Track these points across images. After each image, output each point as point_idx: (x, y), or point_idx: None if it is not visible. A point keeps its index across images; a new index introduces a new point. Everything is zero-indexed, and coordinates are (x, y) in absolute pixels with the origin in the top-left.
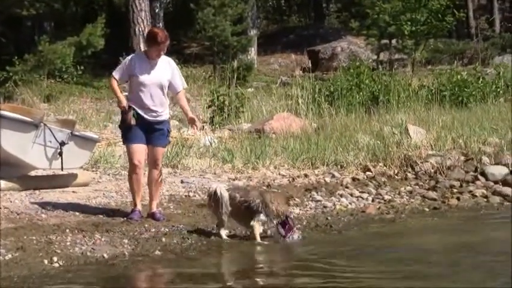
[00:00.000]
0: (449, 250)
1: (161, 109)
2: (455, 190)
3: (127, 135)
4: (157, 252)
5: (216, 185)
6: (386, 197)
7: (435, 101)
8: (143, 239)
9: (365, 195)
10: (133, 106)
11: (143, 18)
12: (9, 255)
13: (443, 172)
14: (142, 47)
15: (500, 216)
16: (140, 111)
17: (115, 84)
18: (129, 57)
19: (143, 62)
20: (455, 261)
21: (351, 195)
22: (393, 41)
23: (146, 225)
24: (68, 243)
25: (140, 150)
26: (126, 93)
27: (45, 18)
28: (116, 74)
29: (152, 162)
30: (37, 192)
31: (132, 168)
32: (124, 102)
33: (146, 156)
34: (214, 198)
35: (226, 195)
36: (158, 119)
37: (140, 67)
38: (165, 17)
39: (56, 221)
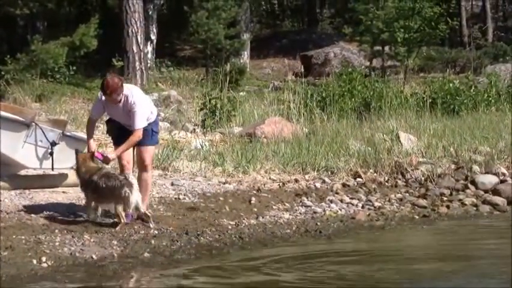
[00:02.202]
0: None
1: None
2: (445, 198)
3: (115, 139)
4: (146, 254)
5: None
6: (376, 204)
7: (426, 108)
8: (132, 241)
9: (355, 202)
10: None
11: (136, 19)
12: None
13: (434, 180)
14: (135, 48)
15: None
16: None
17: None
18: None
19: (108, 103)
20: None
21: (341, 201)
22: (386, 48)
23: (135, 227)
24: (57, 244)
25: (126, 152)
26: None
27: (38, 17)
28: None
29: (140, 163)
30: (27, 191)
31: (121, 169)
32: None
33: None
34: None
35: None
36: None
37: (107, 107)
38: (159, 19)
39: (46, 221)
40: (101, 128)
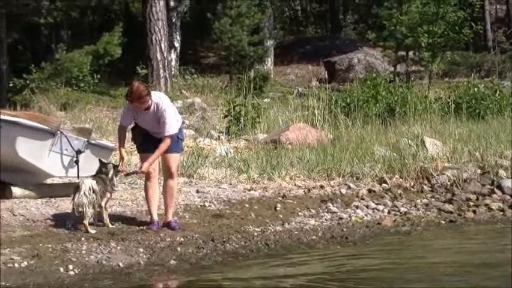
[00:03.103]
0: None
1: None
2: (471, 203)
3: (140, 145)
4: (172, 261)
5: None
6: (402, 209)
7: (451, 113)
8: (158, 248)
9: (380, 207)
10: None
11: (160, 27)
12: (25, 263)
13: (460, 185)
14: (159, 56)
15: None
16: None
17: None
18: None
19: (139, 111)
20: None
21: (367, 207)
22: (410, 53)
23: (161, 235)
24: (84, 252)
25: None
26: None
27: (62, 26)
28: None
29: (166, 171)
30: (53, 200)
31: (147, 177)
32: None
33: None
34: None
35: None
36: None
37: (138, 115)
38: (182, 27)
39: (72, 229)
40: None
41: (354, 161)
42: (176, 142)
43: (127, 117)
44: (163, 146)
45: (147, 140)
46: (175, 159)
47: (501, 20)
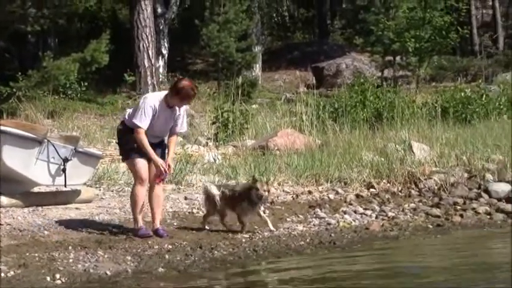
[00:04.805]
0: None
1: (166, 137)
2: (458, 207)
3: (131, 151)
4: (160, 269)
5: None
6: (390, 214)
7: (438, 117)
8: (146, 256)
9: (368, 212)
10: None
11: (147, 34)
12: (12, 272)
13: (447, 189)
14: (146, 63)
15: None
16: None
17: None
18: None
19: (162, 109)
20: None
21: (355, 212)
22: (398, 58)
23: (149, 242)
24: (71, 260)
25: (146, 165)
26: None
27: (49, 34)
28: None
29: (154, 178)
30: (40, 208)
31: (140, 183)
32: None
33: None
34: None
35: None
36: (161, 141)
37: (160, 114)
38: (170, 33)
39: (59, 238)
40: (113, 144)
41: (342, 166)
42: (166, 148)
43: (147, 118)
44: (174, 144)
45: (153, 147)
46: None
47: (487, 24)
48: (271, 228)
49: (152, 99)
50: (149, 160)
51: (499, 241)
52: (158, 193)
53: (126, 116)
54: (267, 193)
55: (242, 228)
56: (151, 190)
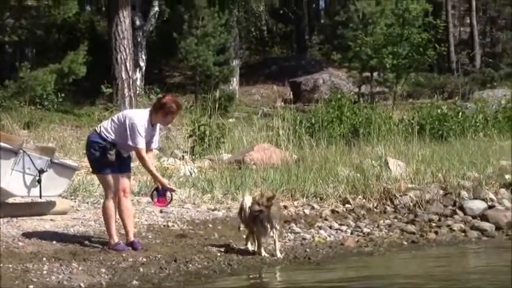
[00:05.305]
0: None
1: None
2: (433, 224)
3: (105, 165)
4: (134, 282)
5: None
6: (365, 230)
7: (415, 134)
8: (120, 269)
9: (344, 228)
10: (115, 143)
11: (125, 46)
12: None
13: (422, 206)
14: (124, 75)
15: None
16: (119, 149)
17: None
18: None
19: (148, 128)
20: None
21: (330, 227)
22: (375, 74)
23: (124, 255)
24: (45, 272)
25: (118, 179)
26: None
27: (27, 44)
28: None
29: (125, 191)
30: (15, 219)
31: (112, 197)
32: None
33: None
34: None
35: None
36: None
37: (146, 133)
38: (147, 46)
39: (33, 249)
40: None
41: (318, 182)
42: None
43: (143, 138)
44: (153, 160)
45: (122, 160)
46: (130, 178)
47: (465, 42)
48: (279, 254)
49: (141, 118)
50: (121, 173)
51: (472, 258)
52: (127, 205)
53: (103, 129)
54: (265, 209)
55: (257, 247)
56: (119, 203)
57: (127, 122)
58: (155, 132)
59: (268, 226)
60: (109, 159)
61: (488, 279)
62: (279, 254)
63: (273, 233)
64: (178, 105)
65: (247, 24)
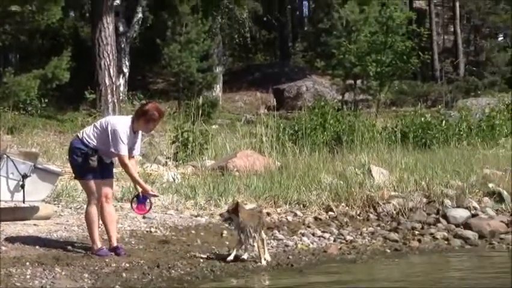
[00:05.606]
0: None
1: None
2: (416, 232)
3: (88, 171)
4: (117, 287)
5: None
6: (348, 238)
7: (398, 142)
8: (103, 274)
9: (326, 235)
10: (97, 149)
11: (109, 52)
12: None
13: (405, 214)
14: (107, 81)
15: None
16: (101, 155)
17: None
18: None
19: (131, 135)
20: None
21: (313, 234)
22: (358, 82)
23: (106, 260)
24: (28, 276)
25: (100, 184)
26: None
27: (10, 49)
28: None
29: (105, 196)
30: None
31: (95, 203)
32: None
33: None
34: None
35: None
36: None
37: (129, 140)
38: (131, 52)
39: (17, 254)
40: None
41: (301, 189)
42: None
43: (125, 145)
44: (136, 166)
45: (104, 166)
46: (112, 184)
47: (448, 50)
48: (262, 261)
49: (123, 125)
50: (103, 179)
51: (454, 266)
52: (110, 211)
53: (85, 135)
54: (234, 216)
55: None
56: (102, 209)
57: (109, 129)
58: (137, 139)
59: (239, 233)
60: (91, 165)
61: (470, 284)
62: (263, 261)
63: (250, 240)
64: (160, 112)
65: (231, 31)
